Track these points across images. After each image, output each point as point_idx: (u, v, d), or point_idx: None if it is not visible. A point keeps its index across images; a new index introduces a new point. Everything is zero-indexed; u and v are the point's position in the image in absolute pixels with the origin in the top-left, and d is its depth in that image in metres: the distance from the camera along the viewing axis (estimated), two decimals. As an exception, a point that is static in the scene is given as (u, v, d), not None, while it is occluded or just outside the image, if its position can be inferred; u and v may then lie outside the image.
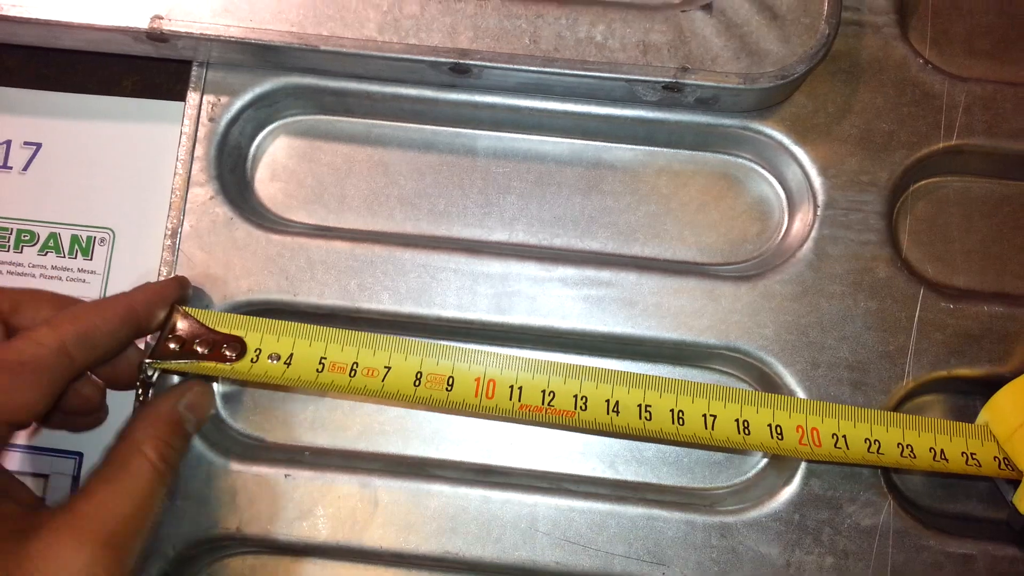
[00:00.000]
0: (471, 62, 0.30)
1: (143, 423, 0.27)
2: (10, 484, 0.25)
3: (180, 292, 0.30)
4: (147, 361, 0.29)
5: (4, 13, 0.31)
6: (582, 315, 0.32)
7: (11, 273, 0.34)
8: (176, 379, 0.31)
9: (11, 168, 0.35)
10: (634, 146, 0.34)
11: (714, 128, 0.33)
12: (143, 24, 0.31)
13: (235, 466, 0.31)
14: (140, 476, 0.25)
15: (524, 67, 0.30)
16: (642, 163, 0.34)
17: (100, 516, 0.24)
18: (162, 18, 0.31)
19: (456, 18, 0.31)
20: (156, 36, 0.31)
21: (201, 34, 0.31)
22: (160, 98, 0.35)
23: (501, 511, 0.31)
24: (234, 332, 0.29)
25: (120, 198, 0.34)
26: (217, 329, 0.29)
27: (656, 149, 0.34)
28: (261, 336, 0.29)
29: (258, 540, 0.31)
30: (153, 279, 0.32)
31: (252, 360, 0.29)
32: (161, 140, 0.35)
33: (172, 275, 0.32)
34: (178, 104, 0.35)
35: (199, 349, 0.29)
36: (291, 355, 0.29)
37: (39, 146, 0.35)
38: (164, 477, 0.25)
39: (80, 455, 0.33)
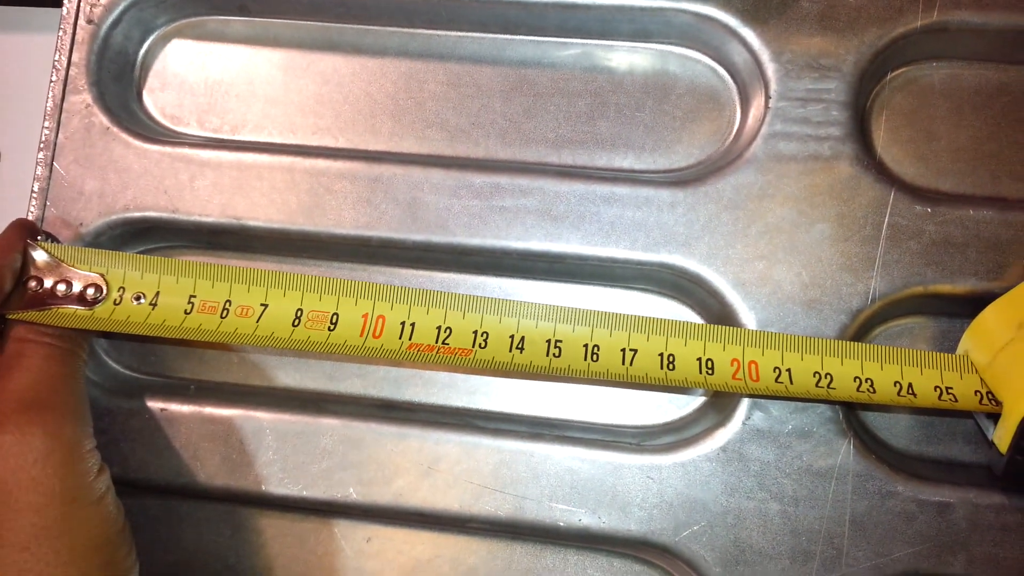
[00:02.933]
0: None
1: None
2: None
3: (27, 237, 0.27)
4: (3, 312, 0.26)
5: None
6: (496, 229, 0.28)
7: None
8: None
9: None
10: (563, 39, 0.30)
11: (650, 12, 0.28)
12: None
13: (111, 401, 0.28)
14: (31, 353, 0.25)
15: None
16: (572, 59, 0.30)
17: (5, 393, 0.23)
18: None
19: None
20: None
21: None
22: (36, 5, 0.32)
23: (401, 449, 0.27)
24: (94, 270, 0.26)
25: (2, 116, 0.32)
26: (76, 267, 0.26)
27: (588, 42, 0.29)
28: (123, 273, 0.26)
29: (138, 482, 0.28)
30: (27, 196, 0.29)
31: (115, 302, 0.26)
32: (38, 50, 0.32)
33: (37, 201, 0.29)
34: (52, 11, 0.32)
35: (59, 291, 0.26)
36: (156, 294, 0.26)
37: (-82, 60, 0.32)
38: (61, 350, 0.25)
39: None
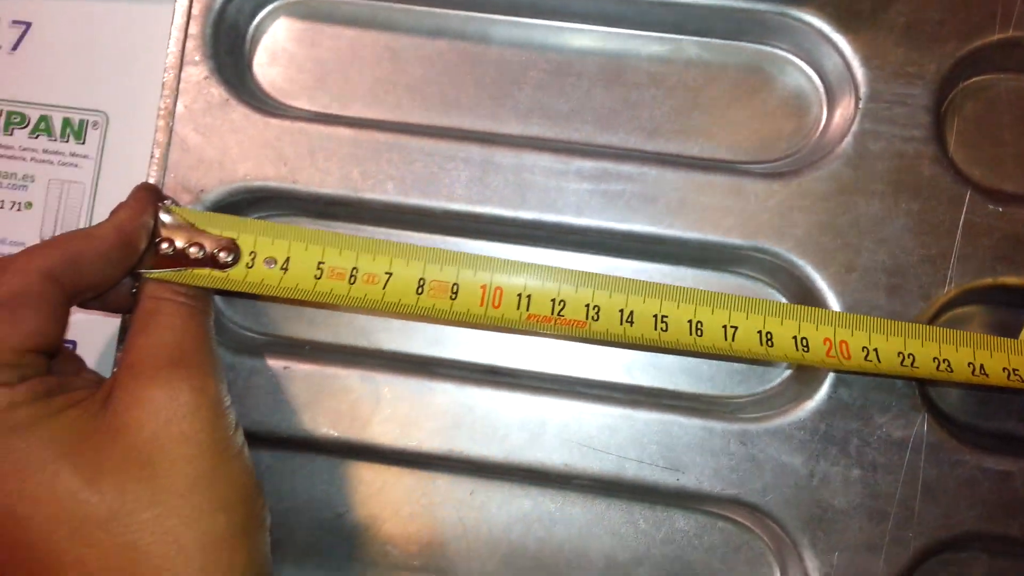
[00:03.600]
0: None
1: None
2: (71, 378, 0.25)
3: (156, 202, 0.28)
4: (140, 271, 0.27)
5: None
6: (599, 211, 0.30)
7: (1, 156, 0.32)
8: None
9: (1, 47, 0.33)
10: (661, 34, 0.32)
11: (748, 14, 0.30)
12: None
13: (233, 359, 0.29)
14: (169, 311, 0.26)
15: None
16: (669, 53, 0.32)
17: (150, 351, 0.24)
18: None
19: None
20: None
21: None
22: (154, -23, 0.33)
23: (508, 411, 0.29)
24: (226, 234, 0.28)
25: (114, 80, 0.33)
26: (209, 231, 0.28)
27: (685, 37, 0.32)
28: (255, 238, 0.27)
29: (260, 433, 0.29)
30: (146, 164, 0.31)
31: (248, 265, 0.27)
32: (155, 20, 0.33)
33: (157, 167, 0.30)
34: (171, -19, 0.33)
35: (192, 253, 0.27)
36: (287, 259, 0.27)
37: (28, 25, 0.33)
38: (194, 308, 0.26)
39: (74, 342, 0.32)
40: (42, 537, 0.22)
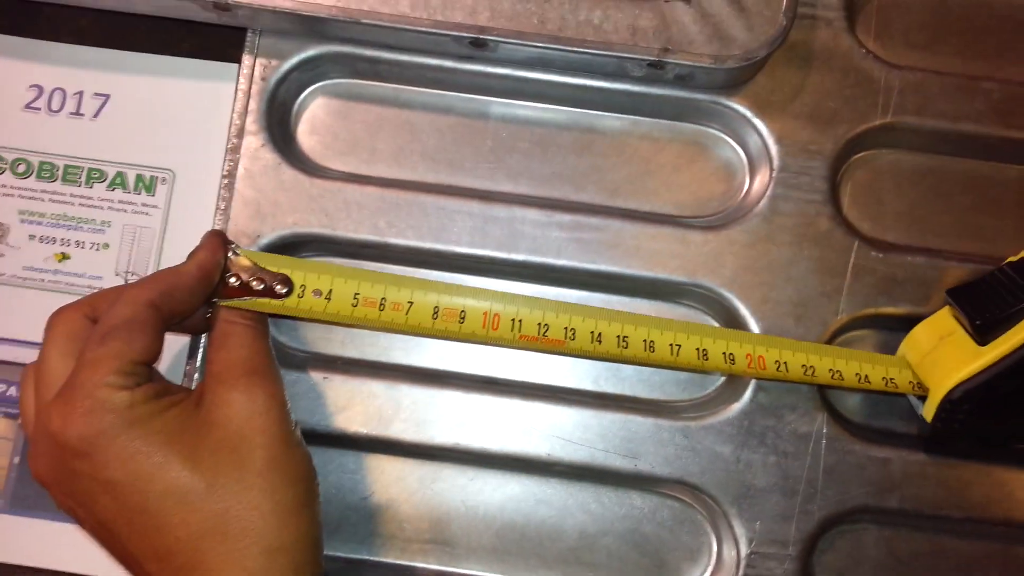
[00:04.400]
0: (488, 37, 0.36)
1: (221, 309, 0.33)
2: (168, 383, 0.32)
3: (226, 245, 0.35)
4: (215, 300, 0.34)
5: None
6: (574, 254, 0.38)
7: (82, 204, 0.39)
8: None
9: (83, 115, 0.40)
10: (621, 115, 0.40)
11: (689, 101, 0.39)
12: (210, -4, 0.36)
13: (281, 371, 0.37)
14: (240, 334, 0.32)
15: (532, 43, 0.36)
16: (627, 130, 0.40)
17: (229, 365, 0.31)
18: (227, -10, 0.36)
19: (476, 0, 0.37)
20: (222, 6, 0.37)
21: (260, 5, 0.36)
22: (213, 59, 0.41)
23: (503, 412, 0.37)
24: (282, 271, 0.35)
25: (179, 144, 0.40)
26: (268, 268, 0.35)
27: (639, 118, 0.40)
28: (304, 274, 0.35)
29: (303, 431, 0.36)
30: (210, 215, 0.38)
31: (299, 296, 0.34)
32: (214, 95, 0.40)
33: (222, 216, 0.37)
34: (229, 65, 0.41)
35: (255, 286, 0.35)
36: (330, 291, 0.35)
37: (108, 97, 0.40)
38: (258, 330, 0.33)
39: (143, 361, 0.39)
40: (156, 505, 0.28)
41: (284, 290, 0.35)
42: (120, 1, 0.37)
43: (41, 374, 0.30)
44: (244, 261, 0.35)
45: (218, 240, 0.34)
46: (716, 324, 0.39)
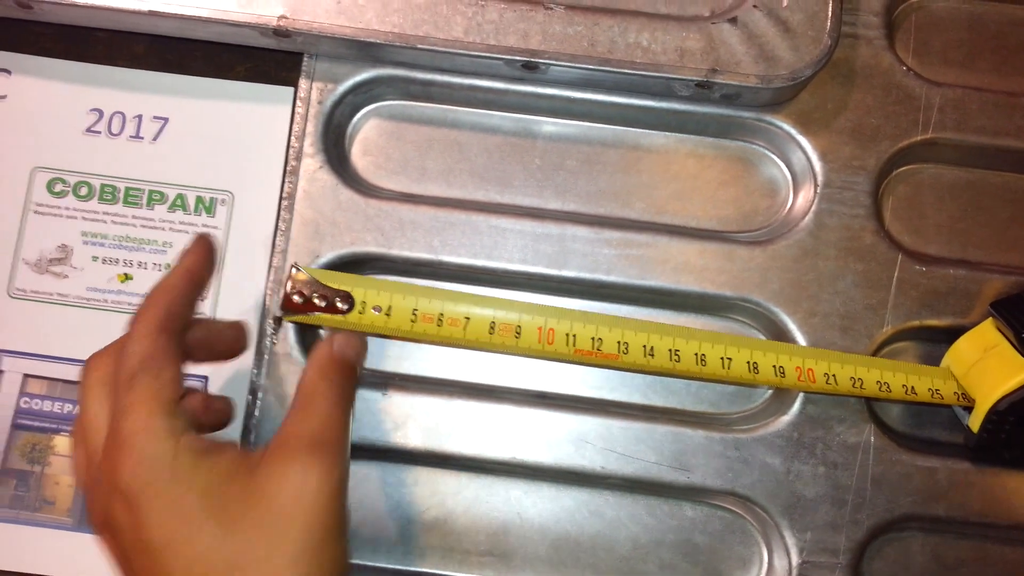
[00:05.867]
0: (540, 60, 0.37)
1: (314, 364, 0.32)
2: (226, 441, 0.30)
3: (211, 250, 0.33)
4: (278, 315, 0.35)
5: (155, 8, 0.37)
6: (623, 270, 0.39)
7: (144, 226, 0.41)
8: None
9: (143, 138, 0.41)
10: (667, 133, 0.41)
11: (734, 119, 0.40)
12: (272, 22, 0.37)
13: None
14: (322, 399, 0.30)
15: (582, 65, 0.37)
16: (673, 147, 0.41)
17: (299, 433, 0.29)
18: (287, 17, 0.37)
19: (528, 24, 0.38)
20: (282, 32, 0.38)
21: (320, 32, 0.37)
22: (268, 83, 0.42)
23: (556, 426, 0.38)
24: (343, 288, 0.36)
25: (237, 166, 0.41)
26: (329, 285, 0.36)
27: (685, 136, 0.41)
28: (364, 291, 0.36)
29: (363, 446, 0.37)
30: (269, 235, 0.39)
31: (360, 312, 0.35)
32: (270, 118, 0.41)
33: (282, 236, 0.38)
34: (283, 88, 0.42)
35: (317, 302, 0.36)
36: (390, 307, 0.36)
37: (166, 120, 0.41)
38: (342, 398, 0.31)
39: (206, 377, 0.40)
40: (181, 570, 0.27)
41: (345, 306, 0.36)
42: (180, 27, 0.39)
43: (84, 426, 0.30)
44: (306, 278, 0.36)
45: (205, 243, 0.33)
46: (764, 337, 0.40)
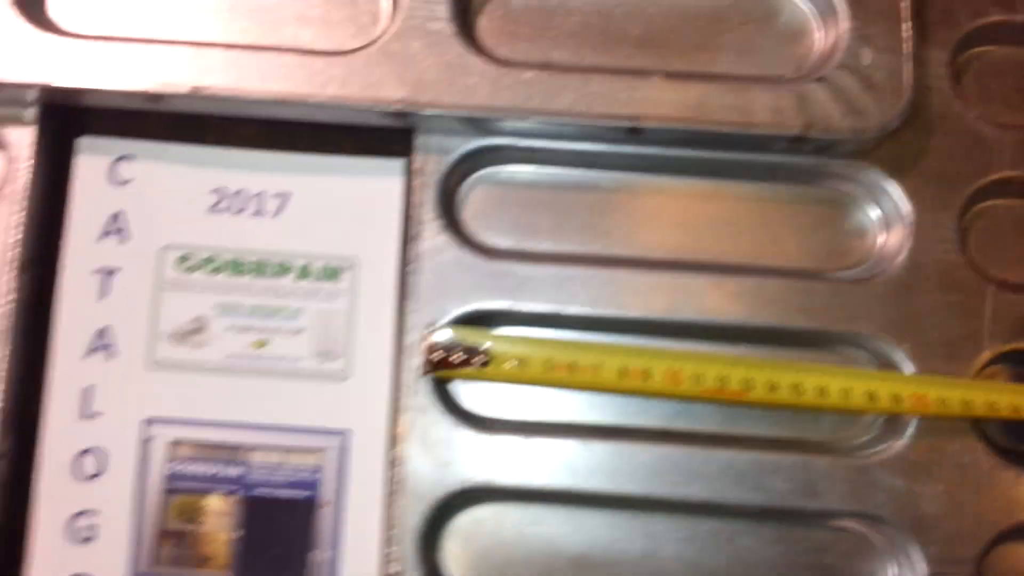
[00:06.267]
0: (646, 125, 0.40)
1: None
2: None
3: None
4: (424, 372, 0.38)
5: (283, 97, 0.40)
6: (733, 312, 0.41)
7: (274, 295, 0.43)
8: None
9: (265, 213, 0.43)
10: (761, 183, 0.44)
11: (823, 168, 0.43)
12: (394, 105, 0.40)
13: (482, 435, 0.40)
14: None
15: (685, 127, 0.40)
16: (767, 195, 0.44)
17: None
18: (407, 100, 0.40)
19: (631, 92, 0.41)
20: (401, 113, 0.40)
21: (437, 112, 0.40)
22: (375, 156, 0.44)
23: (690, 460, 0.40)
24: (478, 343, 0.39)
25: (356, 234, 0.43)
26: (465, 341, 0.39)
27: (777, 184, 0.44)
28: (498, 345, 0.39)
29: (506, 490, 0.39)
30: (391, 295, 0.42)
31: (497, 365, 0.38)
32: (383, 189, 0.44)
33: (410, 298, 0.41)
34: (393, 161, 0.44)
35: (458, 358, 0.38)
36: (525, 358, 0.38)
37: (286, 196, 0.44)
38: None
39: (347, 432, 0.41)
40: None
41: (483, 360, 0.38)
42: (303, 112, 0.41)
43: None
44: (444, 336, 0.39)
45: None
46: (872, 368, 0.42)
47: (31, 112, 0.41)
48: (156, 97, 0.40)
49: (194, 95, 0.39)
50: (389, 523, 0.40)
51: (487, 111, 0.40)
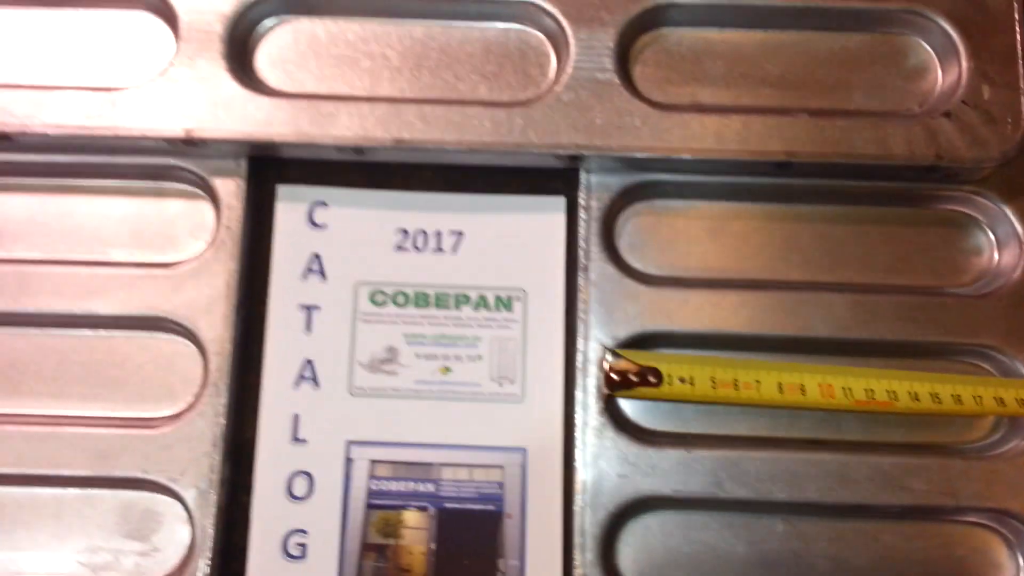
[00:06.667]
0: (794, 160, 0.45)
1: None
2: None
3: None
4: (606, 392, 0.43)
5: (473, 145, 0.44)
6: (867, 328, 0.46)
7: (455, 325, 0.47)
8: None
9: (444, 250, 0.48)
10: (887, 207, 0.49)
11: (945, 192, 0.48)
12: (569, 150, 0.45)
13: (655, 451, 0.45)
14: None
15: (833, 160, 0.45)
16: (894, 218, 0.49)
17: None
18: (581, 144, 0.45)
19: (780, 130, 0.45)
20: (575, 157, 0.45)
21: (607, 155, 0.45)
22: (540, 194, 0.49)
23: (839, 466, 0.45)
24: (649, 364, 0.43)
25: (526, 267, 0.48)
26: (638, 363, 0.43)
27: (903, 208, 0.49)
28: (668, 365, 0.43)
29: (673, 499, 0.44)
30: (559, 322, 0.47)
31: (668, 384, 0.43)
32: (548, 224, 0.48)
33: (582, 323, 0.45)
34: (556, 198, 0.49)
35: (633, 379, 0.43)
36: (691, 377, 0.43)
37: (462, 233, 0.48)
38: None
39: (525, 450, 0.47)
40: None
41: (656, 380, 0.43)
42: (490, 157, 0.46)
43: None
44: (619, 359, 0.44)
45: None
46: (995, 375, 0.47)
47: (241, 165, 0.46)
48: (360, 150, 0.44)
49: (395, 147, 0.44)
50: (572, 532, 0.44)
51: (653, 152, 0.45)
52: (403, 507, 0.46)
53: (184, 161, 0.46)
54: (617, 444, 0.45)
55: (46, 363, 0.46)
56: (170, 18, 0.45)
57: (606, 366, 0.44)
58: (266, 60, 0.47)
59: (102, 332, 0.46)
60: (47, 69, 0.46)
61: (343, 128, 0.44)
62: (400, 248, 0.48)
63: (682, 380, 0.43)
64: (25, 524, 0.45)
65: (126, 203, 0.47)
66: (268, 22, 0.47)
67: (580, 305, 0.46)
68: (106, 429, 0.45)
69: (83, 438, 0.45)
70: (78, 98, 0.43)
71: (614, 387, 0.43)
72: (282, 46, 0.47)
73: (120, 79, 0.45)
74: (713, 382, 0.43)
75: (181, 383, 0.46)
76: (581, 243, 0.47)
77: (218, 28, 0.44)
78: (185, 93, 0.44)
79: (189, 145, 0.44)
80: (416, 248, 0.48)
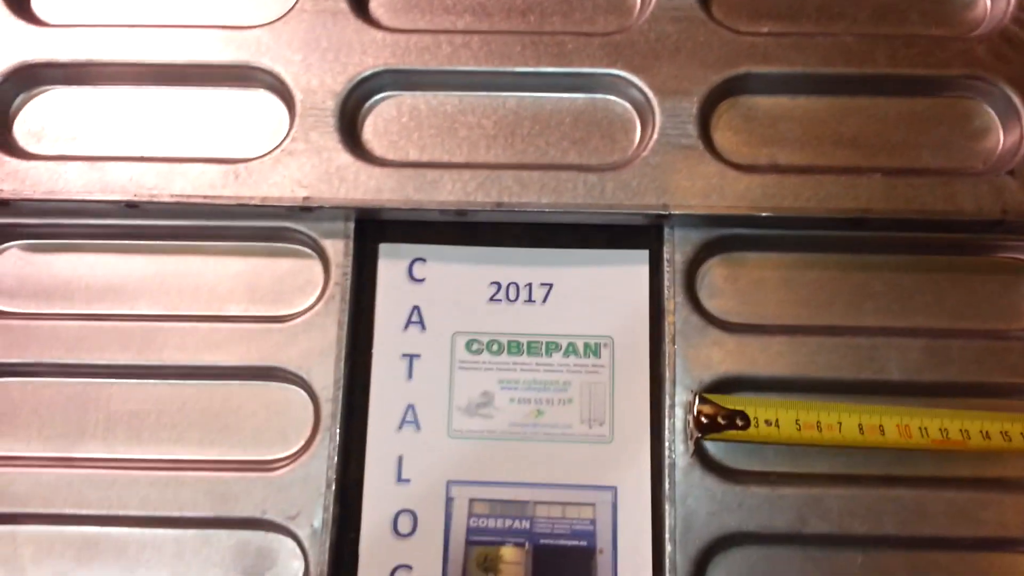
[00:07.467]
0: (869, 216, 0.48)
1: None
2: None
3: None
4: (697, 435, 0.45)
5: (568, 208, 0.48)
6: (940, 369, 0.49)
7: (547, 371, 0.51)
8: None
9: (535, 301, 0.51)
10: (953, 256, 0.51)
11: (1011, 240, 0.50)
12: (658, 210, 0.48)
13: (741, 489, 0.47)
14: None
15: (905, 216, 0.48)
16: (960, 265, 0.51)
17: None
18: (668, 205, 0.48)
19: (857, 189, 0.48)
20: (662, 215, 0.48)
21: (693, 213, 0.48)
22: (624, 247, 0.52)
23: (919, 498, 0.47)
24: (736, 407, 0.46)
25: (612, 315, 0.51)
26: (726, 406, 0.46)
27: (967, 257, 0.51)
28: (755, 408, 0.46)
29: (758, 535, 0.47)
30: (645, 368, 0.50)
31: (755, 426, 0.46)
32: (632, 276, 0.52)
33: (668, 368, 0.48)
34: (639, 251, 0.52)
35: (721, 422, 0.46)
36: (777, 419, 0.46)
37: (551, 285, 0.52)
38: None
39: (615, 488, 0.49)
40: None
41: (743, 423, 0.46)
42: (584, 217, 0.49)
43: None
44: (706, 405, 0.47)
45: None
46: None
47: (348, 226, 0.49)
48: (464, 212, 0.48)
49: (496, 209, 0.47)
50: (662, 567, 0.47)
51: (736, 211, 0.48)
52: (501, 543, 0.49)
53: (297, 224, 0.49)
54: (704, 483, 0.48)
55: (167, 411, 0.50)
56: (287, 97, 0.49)
57: (695, 410, 0.47)
58: (372, 132, 0.50)
59: (220, 382, 0.50)
60: (174, 143, 0.50)
61: (446, 193, 0.47)
62: (494, 300, 0.51)
63: (768, 423, 0.46)
64: (146, 564, 0.49)
65: (242, 262, 0.51)
66: (375, 98, 0.50)
67: (666, 351, 0.49)
68: (226, 472, 0.48)
69: (204, 481, 0.48)
70: (203, 170, 0.47)
71: (704, 430, 0.46)
72: (387, 119, 0.50)
73: (241, 151, 0.49)
74: (798, 424, 0.46)
75: (293, 428, 0.49)
76: (666, 292, 0.50)
77: (331, 104, 0.48)
78: (301, 164, 0.47)
79: (305, 211, 0.47)
80: (509, 299, 0.51)
